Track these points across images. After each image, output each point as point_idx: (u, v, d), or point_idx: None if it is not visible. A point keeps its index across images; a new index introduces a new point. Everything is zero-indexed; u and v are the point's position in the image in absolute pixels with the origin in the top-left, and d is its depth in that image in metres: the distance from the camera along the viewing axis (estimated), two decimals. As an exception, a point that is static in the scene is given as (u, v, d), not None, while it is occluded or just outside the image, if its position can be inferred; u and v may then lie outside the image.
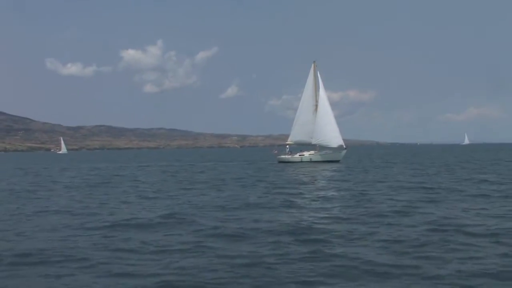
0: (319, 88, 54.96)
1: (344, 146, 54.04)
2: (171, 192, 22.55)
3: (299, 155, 55.08)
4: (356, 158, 67.93)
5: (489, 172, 33.14)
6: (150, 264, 9.02)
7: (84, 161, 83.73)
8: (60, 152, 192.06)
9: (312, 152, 54.96)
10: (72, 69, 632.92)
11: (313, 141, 54.46)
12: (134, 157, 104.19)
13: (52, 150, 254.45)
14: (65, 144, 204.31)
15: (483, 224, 12.43)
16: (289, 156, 55.89)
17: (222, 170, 42.91)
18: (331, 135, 53.27)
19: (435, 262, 8.79)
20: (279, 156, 57.23)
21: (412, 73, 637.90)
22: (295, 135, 56.74)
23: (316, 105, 54.77)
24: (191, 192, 22.34)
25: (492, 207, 15.65)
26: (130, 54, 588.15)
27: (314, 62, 56.61)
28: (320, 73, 55.36)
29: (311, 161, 53.31)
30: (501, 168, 37.88)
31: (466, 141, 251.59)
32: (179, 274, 8.30)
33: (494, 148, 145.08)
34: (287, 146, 58.09)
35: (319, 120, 53.78)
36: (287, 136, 58.42)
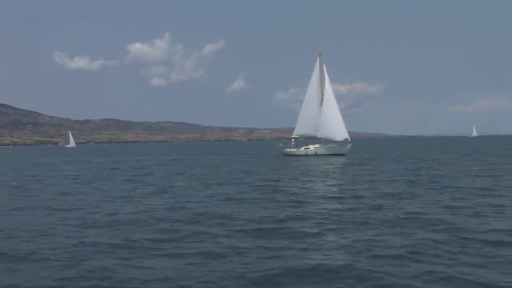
0: (324, 81, 54.49)
1: (349, 140, 53.53)
2: (159, 187, 22.44)
3: (304, 149, 54.85)
4: (360, 151, 67.17)
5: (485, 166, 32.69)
6: (108, 258, 9.02)
7: (90, 154, 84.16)
8: (69, 145, 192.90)
9: (317, 145, 54.68)
10: (80, 63, 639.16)
11: (318, 135, 54.24)
12: (138, 151, 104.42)
13: (60, 143, 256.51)
14: (73, 137, 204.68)
15: (452, 220, 12.25)
16: (294, 150, 55.76)
17: (221, 164, 42.84)
18: (336, 128, 52.89)
19: (391, 261, 8.63)
20: (285, 150, 57.10)
21: (420, 65, 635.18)
22: (301, 129, 56.50)
23: (322, 99, 54.30)
24: (179, 187, 22.17)
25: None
26: (137, 47, 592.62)
27: (319, 55, 56.26)
28: (327, 66, 55.22)
29: (316, 155, 52.96)
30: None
31: (474, 133, 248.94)
32: (137, 270, 8.29)
33: (503, 140, 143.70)
34: (293, 140, 57.96)
35: (324, 114, 53.43)
36: (294, 129, 58.25)
